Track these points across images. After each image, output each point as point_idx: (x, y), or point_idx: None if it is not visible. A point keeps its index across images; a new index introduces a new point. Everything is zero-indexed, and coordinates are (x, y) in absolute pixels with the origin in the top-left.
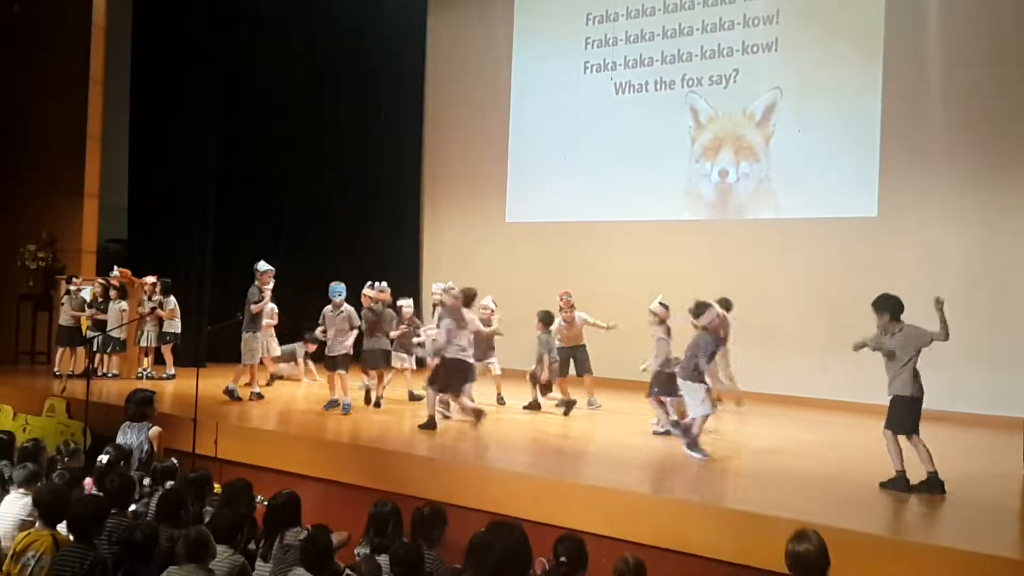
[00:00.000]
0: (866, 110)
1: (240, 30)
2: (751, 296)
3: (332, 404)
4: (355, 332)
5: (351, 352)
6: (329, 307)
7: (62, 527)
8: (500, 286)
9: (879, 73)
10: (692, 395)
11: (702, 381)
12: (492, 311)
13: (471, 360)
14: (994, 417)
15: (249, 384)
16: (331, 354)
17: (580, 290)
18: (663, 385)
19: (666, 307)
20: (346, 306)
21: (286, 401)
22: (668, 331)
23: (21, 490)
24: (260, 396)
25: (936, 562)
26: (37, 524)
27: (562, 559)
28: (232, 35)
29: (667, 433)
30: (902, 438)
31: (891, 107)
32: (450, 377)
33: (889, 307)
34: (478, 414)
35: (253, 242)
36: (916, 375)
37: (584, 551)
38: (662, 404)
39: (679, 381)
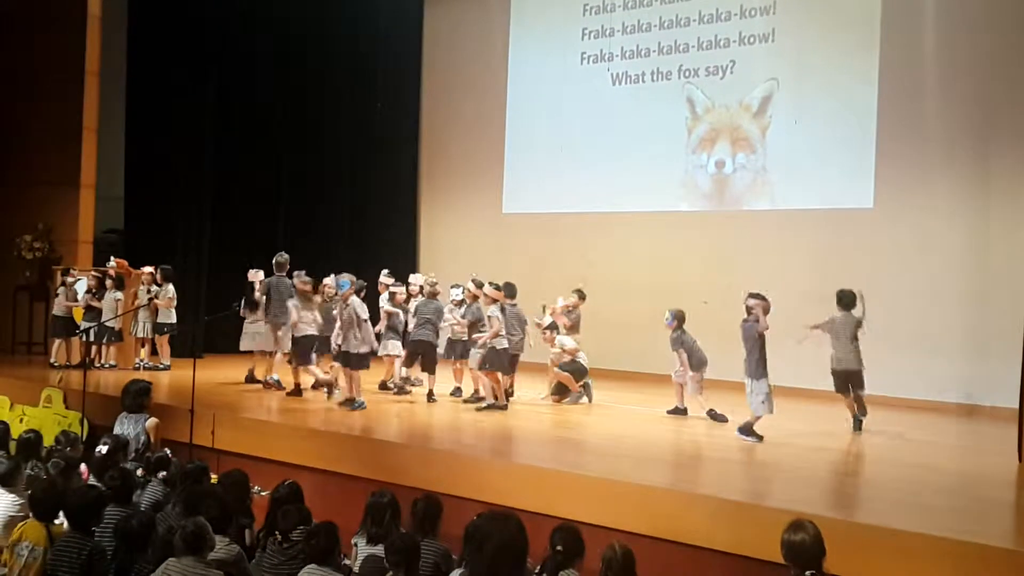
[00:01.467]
0: (863, 101)
1: (236, 21)
2: (747, 286)
3: (347, 402)
4: (367, 326)
5: (371, 350)
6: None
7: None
8: (496, 277)
9: (875, 63)
10: (755, 393)
11: (765, 377)
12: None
13: (315, 332)
14: (989, 408)
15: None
16: (346, 351)
17: (577, 281)
18: (493, 360)
19: (498, 287)
20: (353, 299)
21: (284, 392)
22: (502, 309)
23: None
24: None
25: (931, 552)
26: (31, 517)
27: (558, 548)
28: (228, 26)
29: (490, 407)
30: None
31: (887, 98)
32: (297, 351)
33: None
34: (328, 385)
35: (250, 232)
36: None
37: (580, 541)
38: (495, 379)
39: (745, 379)
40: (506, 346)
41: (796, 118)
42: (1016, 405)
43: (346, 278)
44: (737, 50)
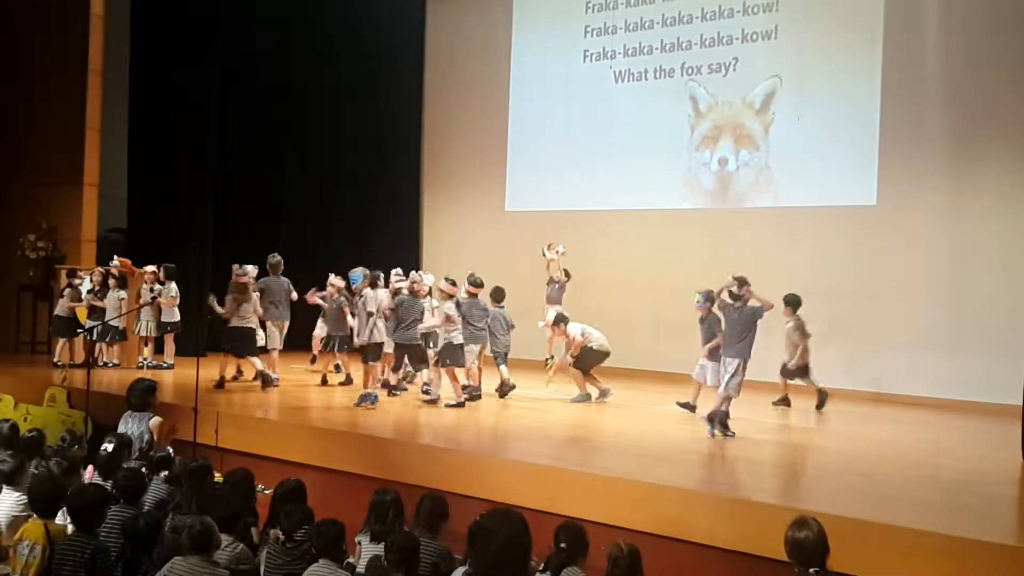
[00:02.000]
0: (865, 98)
1: (239, 20)
2: (755, 284)
3: (364, 398)
4: (378, 319)
5: (382, 342)
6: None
7: (59, 518)
8: (500, 275)
9: (878, 61)
10: (736, 375)
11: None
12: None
13: (254, 327)
14: (993, 405)
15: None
16: (360, 343)
17: (580, 279)
18: (451, 355)
19: (453, 283)
20: (367, 291)
21: (288, 389)
22: (458, 305)
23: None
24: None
25: (935, 549)
26: (34, 516)
27: (562, 545)
28: (231, 25)
29: (460, 405)
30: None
31: (890, 95)
32: (234, 342)
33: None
34: (265, 377)
35: (253, 231)
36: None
37: (584, 538)
38: (453, 376)
39: (727, 359)
40: (461, 341)
41: (799, 115)
42: (1019, 402)
43: (358, 272)
44: (740, 47)
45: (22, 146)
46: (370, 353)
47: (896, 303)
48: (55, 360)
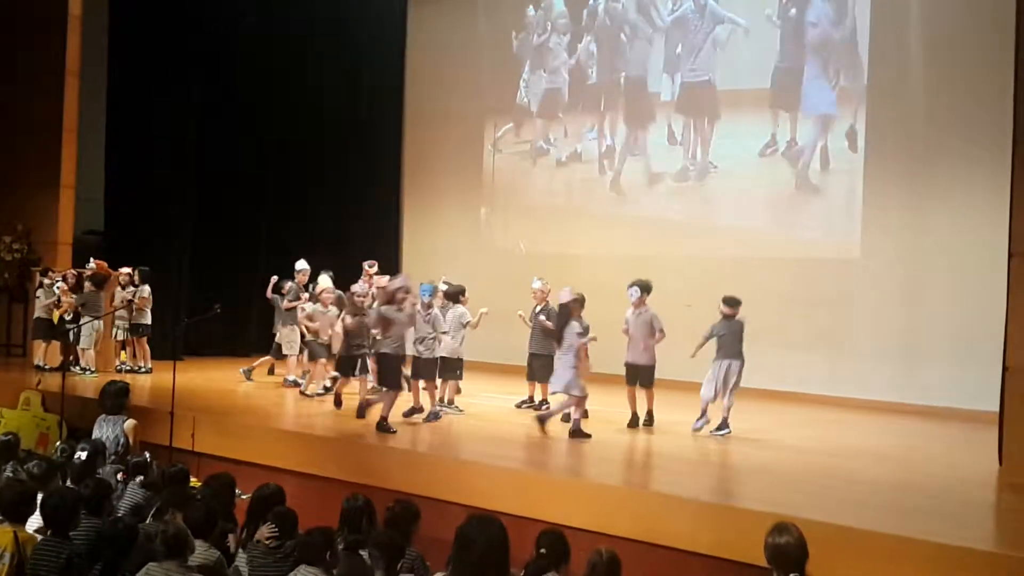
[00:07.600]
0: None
1: (219, 21)
2: (736, 290)
3: (411, 412)
4: (445, 336)
5: (437, 359)
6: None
7: (32, 523)
8: (481, 278)
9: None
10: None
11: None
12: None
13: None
14: (971, 412)
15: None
16: (429, 358)
17: (565, 281)
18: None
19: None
20: (435, 309)
21: (267, 395)
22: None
23: None
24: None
25: (913, 554)
26: (6, 523)
27: (542, 551)
28: (211, 26)
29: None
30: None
31: (876, 113)
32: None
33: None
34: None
35: (232, 235)
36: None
37: (565, 545)
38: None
39: (736, 364)
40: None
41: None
42: (996, 408)
43: (429, 286)
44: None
45: None
46: (426, 370)
47: (878, 312)
48: (38, 363)
